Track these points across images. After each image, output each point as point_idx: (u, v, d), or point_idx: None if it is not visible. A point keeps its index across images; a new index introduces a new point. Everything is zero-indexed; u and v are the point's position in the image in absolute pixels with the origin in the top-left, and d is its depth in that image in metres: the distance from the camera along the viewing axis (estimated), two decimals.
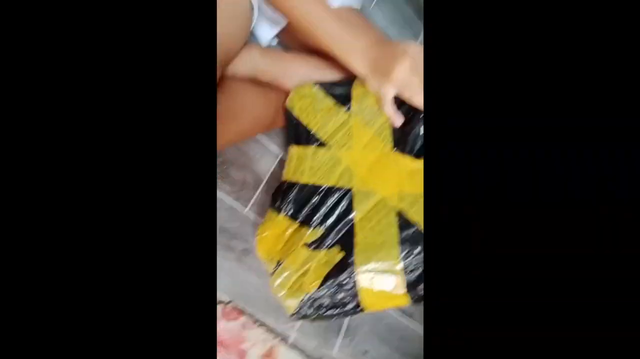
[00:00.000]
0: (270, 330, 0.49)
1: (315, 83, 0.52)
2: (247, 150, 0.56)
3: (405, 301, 0.41)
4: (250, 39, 0.55)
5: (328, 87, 0.52)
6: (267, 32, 0.56)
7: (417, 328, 0.61)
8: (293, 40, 0.58)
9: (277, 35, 0.59)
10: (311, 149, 0.49)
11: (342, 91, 0.51)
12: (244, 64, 0.54)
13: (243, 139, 0.54)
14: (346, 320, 0.55)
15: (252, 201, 0.53)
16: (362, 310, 0.43)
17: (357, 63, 0.45)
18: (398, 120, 0.44)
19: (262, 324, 0.49)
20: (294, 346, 0.52)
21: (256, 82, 0.56)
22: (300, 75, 0.55)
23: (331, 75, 0.55)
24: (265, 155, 0.61)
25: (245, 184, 0.54)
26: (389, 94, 0.43)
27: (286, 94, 0.55)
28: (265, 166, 0.60)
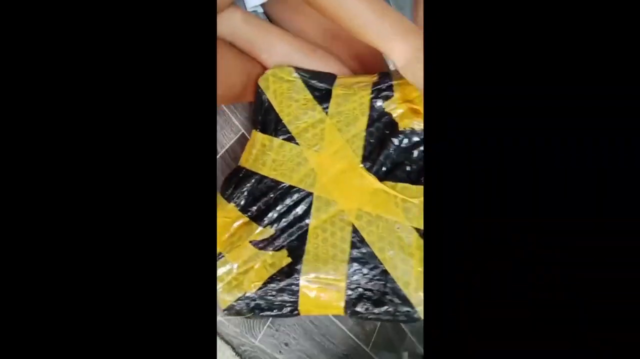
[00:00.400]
0: None
1: (296, 69, 0.49)
2: None
3: (341, 311, 0.42)
4: (236, 0, 0.49)
5: (309, 78, 0.48)
6: (251, 1, 0.50)
7: (341, 325, 0.65)
8: (280, 15, 0.53)
9: (264, 5, 0.53)
10: (278, 141, 0.46)
11: (323, 86, 0.48)
12: (223, 25, 0.48)
13: None
14: None
15: None
16: (297, 314, 0.43)
17: (400, 53, 0.40)
18: None
19: None
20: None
21: (233, 47, 0.50)
22: (280, 52, 0.51)
23: (311, 63, 0.51)
24: (225, 128, 0.57)
25: None
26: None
27: (263, 68, 0.51)
28: (223, 139, 0.56)
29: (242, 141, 0.57)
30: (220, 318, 0.51)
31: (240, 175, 0.46)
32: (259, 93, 0.49)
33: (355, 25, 0.41)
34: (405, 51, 0.40)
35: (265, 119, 0.48)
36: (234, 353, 0.50)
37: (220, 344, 0.49)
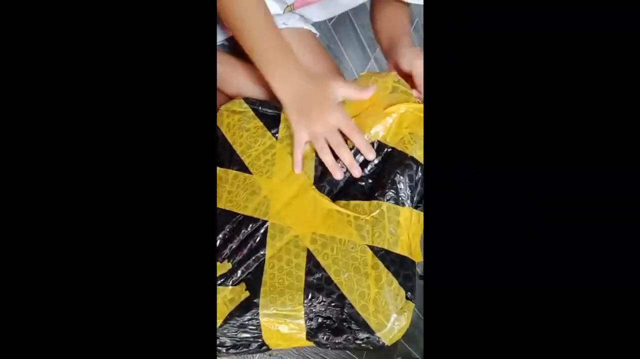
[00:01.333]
0: None
1: (245, 100, 0.49)
2: None
3: (306, 343, 0.40)
4: None
5: (258, 106, 0.49)
6: (219, 35, 0.52)
7: None
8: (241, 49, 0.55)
9: (229, 40, 0.55)
10: (232, 172, 0.46)
11: (271, 112, 0.48)
12: None
13: None
14: None
15: None
16: (267, 348, 0.42)
17: (279, 88, 0.42)
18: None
19: None
20: None
21: None
22: (243, 85, 0.52)
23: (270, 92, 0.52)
24: None
25: None
26: (301, 138, 0.42)
27: (226, 98, 0.52)
28: None
29: None
30: None
31: None
32: (217, 130, 0.50)
33: (252, 50, 0.43)
34: (284, 95, 0.43)
35: (220, 152, 0.48)
36: None
37: None
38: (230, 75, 0.52)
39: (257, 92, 0.51)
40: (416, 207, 0.41)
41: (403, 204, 0.40)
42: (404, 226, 0.39)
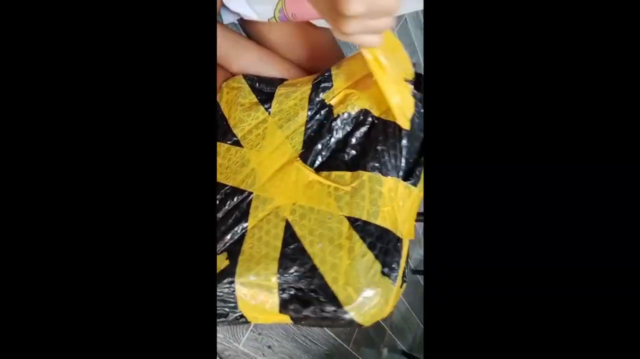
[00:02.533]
0: None
1: (244, 76, 0.50)
2: None
3: (286, 319, 0.39)
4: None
5: (255, 82, 0.49)
6: (229, 16, 0.54)
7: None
8: (255, 30, 0.56)
9: (240, 21, 0.57)
10: (225, 146, 0.47)
11: (268, 89, 0.48)
12: None
13: None
14: None
15: None
16: (246, 321, 0.41)
17: None
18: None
19: None
20: None
21: None
22: (249, 63, 0.53)
23: (279, 73, 0.52)
24: None
25: None
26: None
27: (230, 76, 0.53)
28: None
29: None
30: None
31: None
32: (217, 105, 0.51)
33: None
34: None
35: (219, 128, 0.49)
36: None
37: None
38: (236, 53, 0.53)
39: (261, 70, 0.52)
40: (406, 180, 0.38)
41: (386, 175, 0.37)
42: (387, 197, 0.37)
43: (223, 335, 0.52)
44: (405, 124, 0.38)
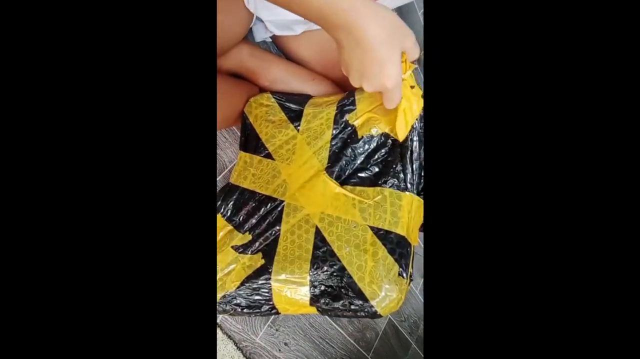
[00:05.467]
0: None
1: (273, 94, 0.56)
2: (218, 135, 0.59)
3: (314, 310, 0.46)
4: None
5: (284, 101, 0.55)
6: (261, 33, 0.59)
7: (340, 330, 0.66)
8: (286, 46, 0.61)
9: (272, 37, 0.62)
10: (257, 158, 0.53)
11: (296, 107, 0.54)
12: (232, 59, 0.57)
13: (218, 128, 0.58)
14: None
15: None
16: (277, 312, 0.48)
17: (372, 22, 0.35)
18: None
19: None
20: (219, 326, 0.57)
21: (237, 77, 0.59)
22: (278, 79, 0.58)
23: (309, 89, 0.58)
24: (230, 148, 0.65)
25: None
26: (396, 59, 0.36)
27: (258, 90, 0.59)
28: (227, 157, 0.64)
29: None
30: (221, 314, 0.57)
31: (227, 189, 0.53)
32: (244, 118, 0.56)
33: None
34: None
35: (247, 139, 0.55)
36: (235, 348, 0.55)
37: (222, 338, 0.55)
38: (264, 69, 0.58)
39: (286, 87, 0.58)
40: (419, 194, 0.45)
41: (404, 191, 0.44)
42: (405, 209, 0.44)
43: (241, 326, 0.58)
44: (400, 136, 0.45)
